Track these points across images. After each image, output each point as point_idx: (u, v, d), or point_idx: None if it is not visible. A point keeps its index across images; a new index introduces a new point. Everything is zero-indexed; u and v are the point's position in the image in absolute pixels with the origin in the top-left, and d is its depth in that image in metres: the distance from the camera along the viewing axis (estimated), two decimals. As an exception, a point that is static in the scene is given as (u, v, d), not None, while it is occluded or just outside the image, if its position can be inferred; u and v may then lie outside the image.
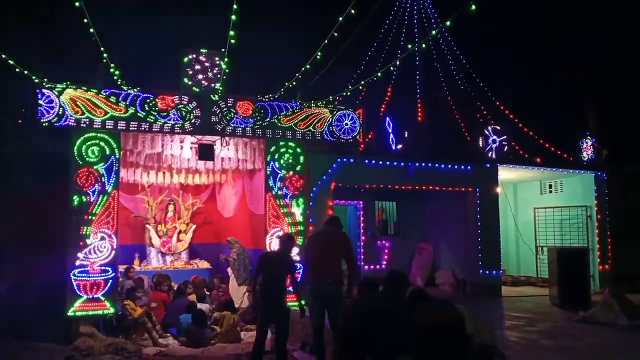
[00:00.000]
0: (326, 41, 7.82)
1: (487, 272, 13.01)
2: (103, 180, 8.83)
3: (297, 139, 10.11)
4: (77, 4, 6.74)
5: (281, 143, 10.08)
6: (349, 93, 10.23)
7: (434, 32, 9.71)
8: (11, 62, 8.13)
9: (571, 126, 15.75)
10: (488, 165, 13.19)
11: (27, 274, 9.68)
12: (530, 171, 14.17)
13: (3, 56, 7.99)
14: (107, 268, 8.76)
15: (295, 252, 10.03)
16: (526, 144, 14.21)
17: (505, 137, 13.38)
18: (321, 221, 10.71)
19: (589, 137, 14.92)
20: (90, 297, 8.61)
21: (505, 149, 13.34)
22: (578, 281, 11.72)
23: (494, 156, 13.21)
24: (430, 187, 12.69)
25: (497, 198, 13.35)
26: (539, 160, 13.79)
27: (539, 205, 15.95)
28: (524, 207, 16.33)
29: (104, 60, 8.46)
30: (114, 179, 8.93)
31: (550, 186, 15.86)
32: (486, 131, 13.33)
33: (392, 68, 10.52)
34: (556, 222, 15.43)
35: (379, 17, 14.27)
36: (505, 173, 13.88)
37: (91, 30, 7.30)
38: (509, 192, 15.96)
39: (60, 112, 8.51)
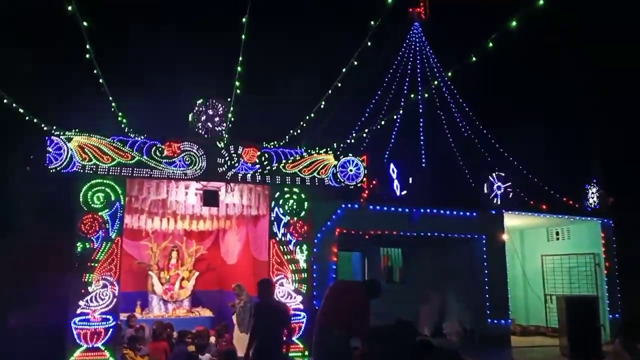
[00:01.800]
0: (329, 91, 7.98)
1: (496, 321, 12.72)
2: (107, 226, 8.84)
3: (302, 185, 10.15)
4: (87, 56, 6.93)
5: (286, 189, 10.12)
6: (352, 141, 10.35)
7: (435, 82, 9.88)
8: (21, 111, 8.29)
9: (576, 173, 15.74)
10: (494, 212, 13.10)
11: (28, 320, 9.54)
12: (536, 218, 14.07)
13: (14, 105, 8.16)
14: (108, 316, 8.64)
15: (299, 300, 9.92)
16: (531, 190, 14.17)
17: (510, 183, 13.36)
18: (326, 268, 10.65)
19: (594, 184, 14.88)
20: (90, 346, 8.46)
21: (511, 196, 13.30)
22: (588, 331, 11.41)
23: (499, 203, 13.15)
24: (436, 234, 12.59)
25: (504, 245, 13.20)
26: (544, 207, 13.71)
27: (546, 253, 15.74)
28: (531, 255, 16.12)
29: (112, 109, 8.64)
30: (118, 225, 8.94)
31: (557, 233, 15.70)
32: (491, 178, 13.32)
33: (394, 116, 10.68)
34: (564, 270, 15.18)
35: (383, 65, 14.58)
36: (511, 220, 13.79)
37: (100, 80, 7.49)
38: (516, 239, 15.80)
39: (68, 159, 8.61)
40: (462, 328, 13.40)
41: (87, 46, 6.78)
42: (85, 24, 6.05)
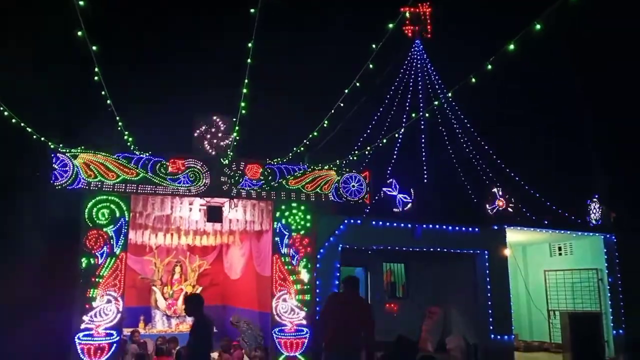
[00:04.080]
0: (332, 111, 8.08)
1: (499, 337, 12.68)
2: (112, 242, 8.92)
3: (305, 201, 10.23)
4: (96, 78, 7.07)
5: (289, 205, 10.19)
6: (355, 157, 10.44)
7: (436, 102, 9.98)
8: (29, 129, 8.42)
9: (579, 188, 15.79)
10: (496, 228, 13.14)
11: (33, 336, 9.57)
12: (538, 233, 14.09)
13: (21, 123, 8.30)
14: (112, 331, 8.69)
15: (302, 316, 9.93)
16: (534, 205, 14.21)
17: (512, 198, 13.41)
18: (329, 284, 10.68)
19: (596, 200, 14.92)
20: (94, 361, 8.49)
21: (513, 211, 13.34)
22: (592, 347, 11.40)
23: (501, 218, 13.19)
24: (439, 249, 12.62)
25: (507, 261, 13.21)
26: (546, 222, 13.74)
27: (549, 268, 15.73)
28: (534, 270, 16.10)
29: (119, 128, 8.76)
30: (122, 241, 9.02)
31: (559, 248, 15.69)
32: (492, 193, 13.38)
33: (396, 135, 10.78)
34: (567, 285, 15.15)
35: (386, 81, 14.70)
36: (514, 235, 13.81)
37: (108, 101, 7.62)
38: (518, 255, 15.80)
39: (73, 176, 8.72)
40: (466, 343, 13.36)
41: (96, 69, 6.91)
42: (94, 48, 6.18)
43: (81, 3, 5.35)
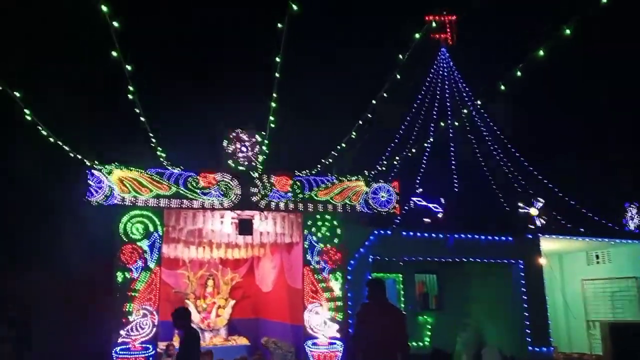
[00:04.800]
0: (360, 122, 8.12)
1: (537, 349, 12.37)
2: (146, 256, 9.07)
3: (334, 212, 10.23)
4: (130, 96, 7.28)
5: (318, 216, 10.21)
6: (383, 168, 10.42)
7: (465, 110, 9.92)
8: (66, 148, 8.70)
9: (616, 194, 15.36)
10: (530, 236, 12.88)
11: (73, 351, 9.79)
12: (574, 241, 13.75)
13: (59, 143, 8.58)
14: (148, 345, 8.81)
15: (335, 329, 9.88)
16: (569, 213, 13.91)
17: (546, 206, 13.14)
18: (360, 295, 10.59)
19: (635, 206, 14.50)
20: (130, 374, 8.61)
21: (547, 220, 13.07)
22: (634, 358, 10.99)
23: (535, 227, 12.93)
24: (471, 259, 12.43)
25: (542, 270, 12.92)
26: (582, 230, 13.40)
27: (586, 277, 15.29)
28: (571, 279, 15.68)
29: (152, 144, 8.96)
30: (156, 255, 9.17)
31: (597, 257, 15.25)
32: (526, 201, 13.14)
33: (424, 144, 10.74)
34: (606, 295, 14.70)
35: (414, 90, 14.68)
36: (549, 244, 13.51)
37: (142, 119, 7.82)
38: (554, 264, 15.42)
39: (108, 192, 8.93)
40: (502, 356, 13.06)
41: (130, 87, 7.11)
42: (129, 67, 6.38)
43: (115, 24, 5.54)
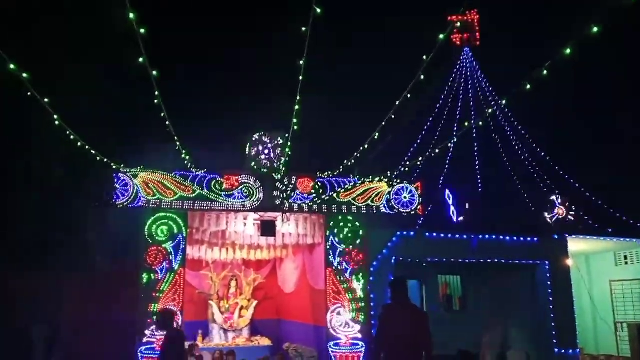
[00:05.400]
0: (383, 123, 8.09)
1: (563, 351, 12.17)
2: (171, 258, 9.19)
3: (356, 214, 10.22)
4: (155, 101, 7.38)
5: (340, 217, 10.21)
6: (406, 169, 10.36)
7: (490, 110, 9.80)
8: (93, 152, 8.86)
9: (643, 193, 15.02)
10: (556, 237, 12.67)
11: (98, 350, 9.95)
12: (602, 242, 13.48)
13: (87, 147, 8.75)
14: (172, 345, 8.89)
15: (357, 330, 9.86)
16: (596, 213, 13.65)
17: (573, 206, 12.92)
18: (383, 297, 10.56)
19: (663, 205, 14.16)
20: (156, 374, 8.72)
21: (574, 220, 12.84)
22: (666, 362, 10.75)
23: (561, 227, 12.72)
24: (496, 260, 12.28)
25: (569, 271, 12.70)
26: (610, 230, 13.14)
27: (614, 278, 14.98)
28: (599, 280, 15.38)
29: (177, 148, 9.08)
30: (180, 256, 9.28)
31: (625, 257, 14.93)
32: (552, 201, 12.94)
33: (449, 144, 10.65)
34: (635, 296, 14.38)
35: (436, 92, 14.57)
36: (576, 244, 13.27)
37: (167, 122, 7.92)
38: (581, 265, 15.14)
39: (134, 195, 9.08)
40: (528, 358, 12.88)
41: (156, 92, 7.22)
42: (155, 73, 6.48)
43: (142, 31, 5.63)
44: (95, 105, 11.73)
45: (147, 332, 8.86)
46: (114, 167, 9.10)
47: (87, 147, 8.77)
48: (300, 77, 6.74)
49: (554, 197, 13.03)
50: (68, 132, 8.63)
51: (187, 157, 9.32)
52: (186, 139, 9.44)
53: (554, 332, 12.21)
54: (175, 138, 8.74)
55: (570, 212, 12.87)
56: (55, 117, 8.25)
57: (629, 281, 14.60)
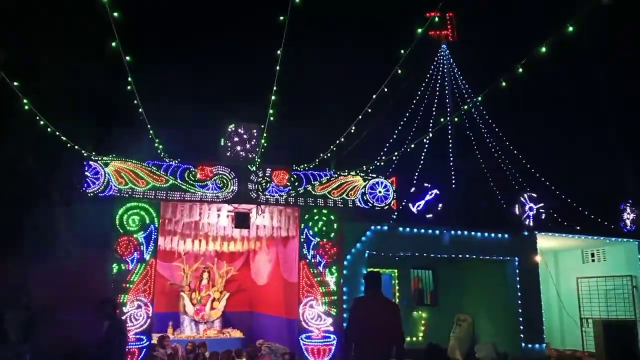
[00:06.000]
0: (360, 117, 8.09)
1: (530, 345, 12.43)
2: (142, 248, 9.06)
3: (331, 207, 10.22)
4: (129, 87, 7.23)
5: (315, 211, 10.20)
6: (382, 163, 10.40)
7: (465, 107, 9.90)
8: (63, 138, 8.65)
9: (611, 193, 15.40)
10: (526, 234, 12.91)
11: (65, 340, 9.76)
12: (570, 239, 13.79)
13: (57, 133, 8.53)
14: (141, 336, 8.81)
15: (329, 322, 9.88)
16: (565, 211, 13.93)
17: (542, 204, 13.16)
18: (356, 290, 10.61)
19: (630, 204, 14.54)
20: (124, 366, 8.60)
21: (543, 217, 13.09)
22: (627, 356, 11.08)
23: (531, 224, 12.95)
24: (467, 256, 12.45)
25: (537, 267, 12.95)
26: (578, 228, 13.44)
27: (581, 275, 15.36)
28: (566, 277, 15.74)
29: (150, 136, 8.92)
30: (152, 247, 9.15)
31: (592, 255, 15.32)
32: (522, 198, 13.16)
33: (425, 140, 10.72)
34: (601, 293, 14.77)
35: (413, 87, 14.64)
36: (545, 241, 13.54)
37: (140, 110, 7.77)
38: (550, 261, 15.47)
39: (105, 183, 8.90)
40: (496, 352, 13.13)
41: (129, 78, 7.07)
42: (128, 58, 6.33)
43: (115, 14, 5.49)
44: (68, 91, 11.43)
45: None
46: (85, 154, 8.90)
47: (57, 133, 8.55)
48: (277, 67, 6.68)
49: (525, 195, 13.24)
50: (38, 118, 8.41)
51: (161, 146, 9.17)
52: (160, 128, 9.29)
53: (521, 327, 12.45)
54: (149, 126, 8.59)
55: (541, 210, 13.11)
56: (25, 101, 8.02)
57: (595, 278, 14.98)
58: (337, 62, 16.89)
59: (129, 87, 7.34)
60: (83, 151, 8.90)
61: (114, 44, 5.98)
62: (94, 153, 8.96)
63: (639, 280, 13.92)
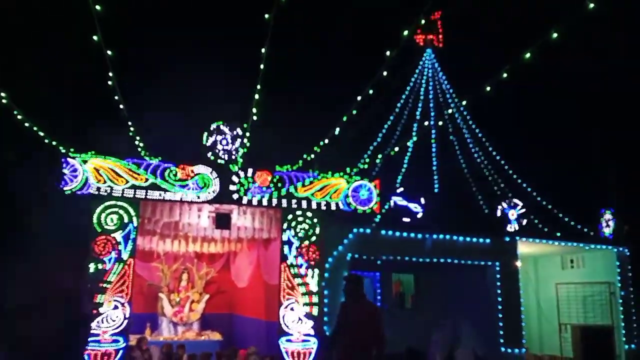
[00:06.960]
0: (344, 119, 8.05)
1: (509, 350, 12.49)
2: (120, 248, 8.89)
3: (313, 209, 10.15)
4: (110, 83, 7.08)
5: (297, 213, 10.12)
6: (365, 166, 10.36)
7: (449, 110, 9.92)
8: (41, 134, 8.46)
9: (592, 201, 15.57)
10: (507, 239, 12.98)
11: (40, 340, 9.53)
12: (550, 245, 13.91)
13: (34, 128, 8.33)
14: (118, 338, 8.64)
15: (309, 325, 9.80)
16: (546, 217, 14.05)
17: (524, 210, 13.26)
18: (337, 293, 10.53)
19: (609, 212, 14.73)
20: (100, 368, 8.43)
21: (525, 223, 13.18)
22: (604, 362, 11.18)
23: (513, 230, 13.03)
24: (449, 260, 12.47)
25: (518, 273, 13.03)
26: (558, 234, 13.56)
27: (560, 281, 15.51)
28: (546, 283, 15.88)
29: (130, 134, 8.77)
30: (130, 247, 8.99)
31: (571, 261, 15.47)
32: (504, 204, 13.24)
33: (408, 144, 10.72)
34: (579, 299, 14.93)
35: (397, 90, 14.64)
36: (525, 247, 13.64)
37: (121, 106, 7.63)
38: (530, 267, 15.60)
39: (83, 181, 8.72)
40: (475, 356, 13.16)
41: (110, 74, 6.92)
42: (109, 52, 6.19)
43: (98, 8, 5.36)
44: (45, 86, 11.19)
45: (92, 323, 8.54)
46: (63, 151, 8.70)
47: (34, 128, 8.35)
48: (262, 66, 6.61)
49: (506, 201, 13.32)
50: (16, 112, 8.21)
51: (141, 144, 9.01)
52: (141, 126, 9.14)
53: (501, 332, 12.51)
54: (129, 123, 8.44)
55: (522, 216, 13.19)
56: (3, 94, 7.83)
57: (574, 284, 15.13)
58: (323, 63, 16.85)
59: (110, 82, 7.19)
60: (61, 148, 8.71)
61: (95, 37, 5.84)
62: (72, 150, 8.77)
63: (617, 287, 14.10)
